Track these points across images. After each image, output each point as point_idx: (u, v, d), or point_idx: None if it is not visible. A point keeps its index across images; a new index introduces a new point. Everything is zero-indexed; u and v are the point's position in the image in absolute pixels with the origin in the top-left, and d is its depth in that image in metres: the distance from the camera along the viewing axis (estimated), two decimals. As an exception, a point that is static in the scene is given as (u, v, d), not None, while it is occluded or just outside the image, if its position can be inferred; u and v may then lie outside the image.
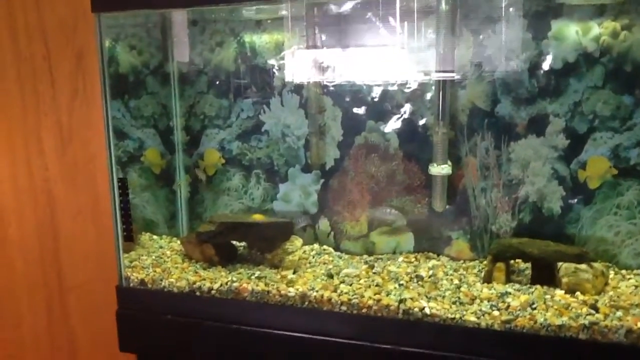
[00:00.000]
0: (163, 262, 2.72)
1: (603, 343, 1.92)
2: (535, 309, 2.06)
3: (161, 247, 2.93)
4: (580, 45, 2.36)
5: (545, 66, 2.42)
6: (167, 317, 2.51)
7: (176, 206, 3.10)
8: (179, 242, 2.92)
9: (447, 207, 2.61)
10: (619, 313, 1.96)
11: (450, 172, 2.54)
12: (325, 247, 2.83)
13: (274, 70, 2.82)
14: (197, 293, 2.47)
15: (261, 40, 2.82)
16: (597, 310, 2.00)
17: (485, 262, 2.42)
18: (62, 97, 3.04)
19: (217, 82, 2.94)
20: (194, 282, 2.48)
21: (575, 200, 2.45)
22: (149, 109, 3.05)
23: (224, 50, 2.90)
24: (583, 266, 2.19)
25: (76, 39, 2.98)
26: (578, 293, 2.12)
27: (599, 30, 2.33)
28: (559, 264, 2.26)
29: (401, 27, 2.47)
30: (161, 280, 2.55)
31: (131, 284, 2.61)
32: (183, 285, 2.49)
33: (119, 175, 2.69)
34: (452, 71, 2.48)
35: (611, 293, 2.14)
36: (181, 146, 3.06)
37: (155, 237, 3.07)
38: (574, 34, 2.37)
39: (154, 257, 2.78)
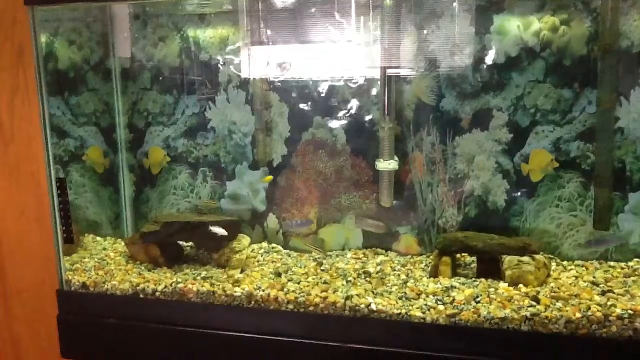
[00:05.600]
0: (106, 265, 2.64)
1: (544, 334, 1.95)
2: (479, 302, 2.07)
3: (105, 249, 2.84)
4: (522, 40, 2.39)
5: (489, 61, 2.44)
6: (111, 321, 2.43)
7: (120, 206, 3.01)
8: (123, 243, 2.83)
9: (395, 202, 2.60)
10: (559, 304, 1.99)
11: (397, 167, 2.54)
12: (274, 245, 2.80)
13: (219, 65, 2.76)
14: (141, 295, 2.40)
15: (205, 35, 2.76)
16: (538, 302, 2.02)
17: (432, 257, 2.43)
18: (2, 94, 2.91)
19: (161, 78, 2.86)
20: (138, 285, 2.41)
21: (519, 193, 2.48)
22: (91, 106, 2.95)
23: (167, 46, 2.83)
24: (526, 259, 2.22)
25: (16, 34, 2.84)
26: (521, 285, 2.15)
27: (539, 25, 2.36)
28: (504, 257, 2.28)
29: (347, 22, 2.46)
30: (104, 283, 2.47)
31: (72, 288, 2.52)
32: (126, 288, 2.42)
33: (59, 175, 2.59)
34: (398, 66, 2.48)
35: (552, 284, 2.17)
36: (125, 144, 2.97)
37: (99, 238, 2.98)
38: (516, 28, 2.39)
39: (96, 260, 2.69)
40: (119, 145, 2.96)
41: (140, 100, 2.91)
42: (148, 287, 2.39)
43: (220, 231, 2.51)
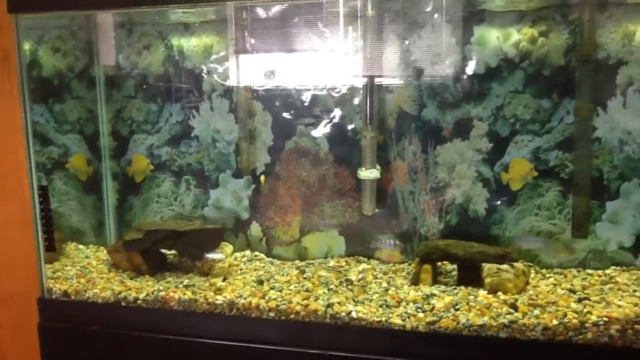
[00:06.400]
0: (88, 272, 2.63)
1: (521, 340, 1.97)
2: (458, 309, 2.09)
3: (87, 257, 2.84)
4: (501, 51, 2.43)
5: (469, 71, 2.47)
6: (92, 329, 2.42)
7: (103, 214, 3.01)
8: (105, 251, 2.83)
9: (377, 210, 2.62)
10: (537, 311, 2.02)
11: (378, 176, 2.56)
12: (257, 253, 2.80)
13: (203, 74, 2.78)
14: (123, 303, 2.39)
15: (189, 43, 2.77)
16: (516, 309, 2.04)
17: (413, 265, 2.45)
18: (-14, 100, 2.90)
19: (145, 86, 2.87)
20: (120, 292, 2.40)
21: (499, 201, 2.51)
22: (74, 114, 2.96)
23: (151, 54, 2.84)
24: (505, 266, 2.24)
25: (0, 40, 2.84)
26: (500, 293, 2.17)
27: (518, 36, 2.40)
28: (483, 264, 2.30)
29: (330, 32, 2.49)
30: (85, 291, 2.46)
31: (54, 296, 2.51)
32: (108, 296, 2.42)
33: (41, 182, 2.59)
34: (380, 75, 2.52)
35: (531, 292, 2.19)
36: (108, 152, 2.96)
37: (81, 246, 2.97)
38: (495, 39, 2.43)
39: (78, 268, 2.69)
40: (103, 152, 2.96)
41: (124, 108, 2.92)
42: (130, 294, 2.39)
43: (218, 256, 2.52)
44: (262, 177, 2.75)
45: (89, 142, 2.97)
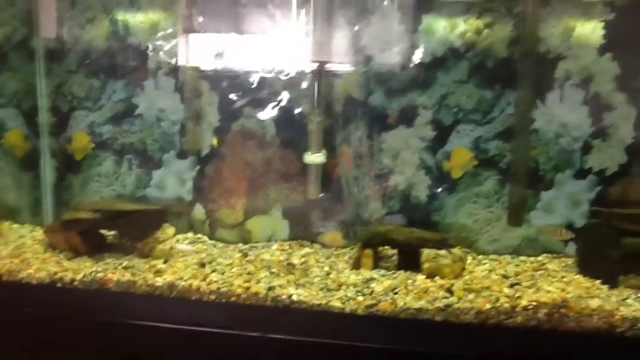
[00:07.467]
0: (22, 253, 2.54)
1: (456, 323, 2.03)
2: (397, 293, 2.13)
3: (22, 237, 2.74)
4: (448, 40, 2.47)
5: (416, 59, 2.50)
6: (27, 311, 2.35)
7: (41, 192, 2.90)
8: (42, 231, 2.74)
9: (321, 195, 2.64)
10: (471, 296, 2.08)
11: (324, 160, 2.57)
12: (199, 235, 2.77)
13: (149, 51, 2.71)
14: (59, 284, 2.33)
15: (135, 19, 2.69)
16: (452, 293, 2.10)
17: (355, 249, 2.48)
18: None
19: (87, 61, 2.77)
20: (55, 273, 2.33)
21: (440, 189, 2.56)
22: (11, 87, 2.83)
23: (95, 28, 2.74)
24: (443, 252, 2.30)
25: None
26: (437, 277, 2.23)
27: (464, 26, 2.44)
28: (423, 249, 2.35)
29: (281, 15, 2.48)
30: (19, 271, 2.38)
31: (-16, 277, 2.42)
32: (43, 277, 2.34)
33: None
34: (328, 61, 2.52)
35: (467, 277, 2.26)
36: (47, 128, 2.86)
37: (15, 225, 2.86)
38: (442, 29, 2.46)
39: (12, 247, 2.59)
40: (41, 128, 2.85)
41: (64, 83, 2.82)
42: (66, 276, 2.32)
43: (187, 248, 2.50)
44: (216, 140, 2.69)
45: (26, 117, 2.86)
